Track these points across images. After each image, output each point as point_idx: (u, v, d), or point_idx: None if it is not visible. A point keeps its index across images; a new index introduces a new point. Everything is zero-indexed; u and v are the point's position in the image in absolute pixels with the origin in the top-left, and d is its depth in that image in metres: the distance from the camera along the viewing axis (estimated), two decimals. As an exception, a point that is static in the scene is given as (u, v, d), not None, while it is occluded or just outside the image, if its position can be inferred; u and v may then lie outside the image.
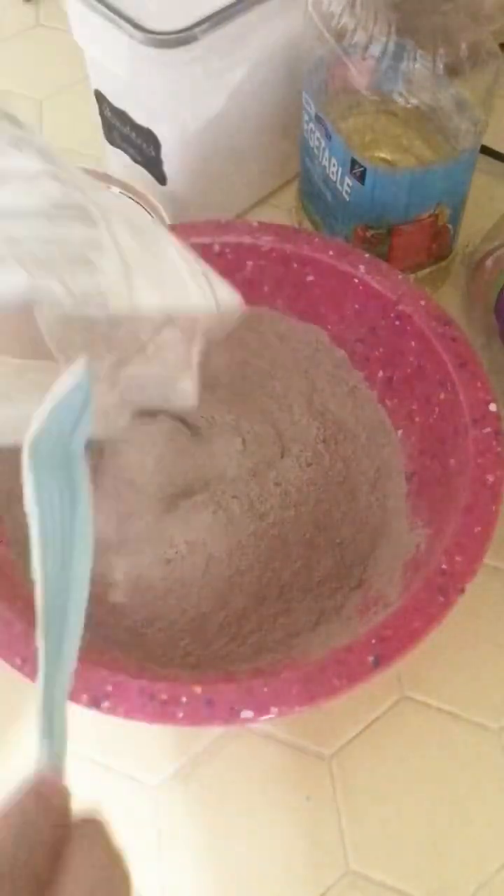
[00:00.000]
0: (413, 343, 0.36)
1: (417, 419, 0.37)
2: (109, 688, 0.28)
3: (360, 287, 0.37)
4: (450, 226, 0.43)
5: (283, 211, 0.52)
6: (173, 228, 0.38)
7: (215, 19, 0.39)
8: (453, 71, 0.36)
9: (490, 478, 0.32)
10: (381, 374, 0.38)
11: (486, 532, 0.30)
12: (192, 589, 0.36)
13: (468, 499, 0.31)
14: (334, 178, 0.42)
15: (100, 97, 0.47)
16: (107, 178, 0.48)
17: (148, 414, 0.41)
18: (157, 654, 0.34)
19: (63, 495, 0.24)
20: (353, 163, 0.40)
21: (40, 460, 0.23)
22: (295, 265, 0.38)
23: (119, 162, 0.50)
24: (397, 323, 0.36)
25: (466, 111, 0.38)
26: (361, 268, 0.37)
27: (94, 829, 0.21)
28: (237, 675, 0.32)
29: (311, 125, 0.42)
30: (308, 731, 0.36)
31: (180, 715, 0.27)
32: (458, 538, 0.30)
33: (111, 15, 0.39)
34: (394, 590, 0.33)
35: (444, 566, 0.30)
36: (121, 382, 0.27)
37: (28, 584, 0.33)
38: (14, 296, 0.23)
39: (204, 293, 0.26)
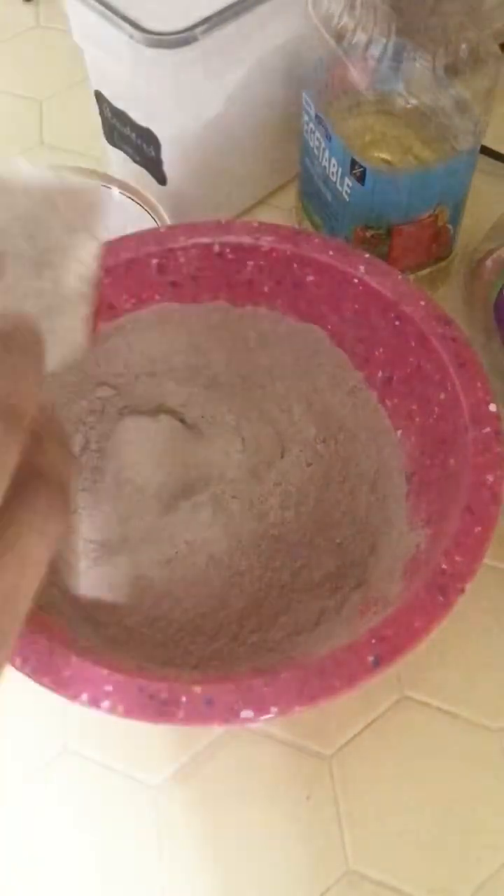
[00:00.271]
0: (413, 343, 0.36)
1: (417, 419, 0.37)
2: (109, 687, 0.28)
3: (360, 287, 0.37)
4: (450, 226, 0.44)
5: (283, 211, 0.52)
6: (173, 228, 0.38)
7: (215, 20, 0.39)
8: (453, 71, 0.36)
9: (490, 478, 0.32)
10: (381, 374, 0.38)
11: (486, 532, 0.30)
12: (192, 589, 0.36)
13: (468, 499, 0.31)
14: (334, 179, 0.42)
15: (100, 97, 0.47)
16: (107, 178, 0.48)
17: (148, 414, 0.41)
18: (157, 654, 0.34)
19: None
20: (353, 163, 0.40)
21: None
22: (295, 265, 0.38)
23: (119, 162, 0.50)
24: (397, 323, 0.37)
25: (466, 111, 0.38)
26: (361, 268, 0.37)
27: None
28: (237, 675, 0.32)
29: (311, 125, 0.42)
30: (308, 731, 0.36)
31: (180, 715, 0.27)
32: (458, 538, 0.30)
33: (111, 15, 0.39)
34: (394, 590, 0.33)
35: (444, 566, 0.30)
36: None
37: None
38: None
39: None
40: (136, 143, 0.46)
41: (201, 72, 0.41)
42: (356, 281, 0.37)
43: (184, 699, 0.28)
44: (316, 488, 0.38)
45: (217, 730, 0.36)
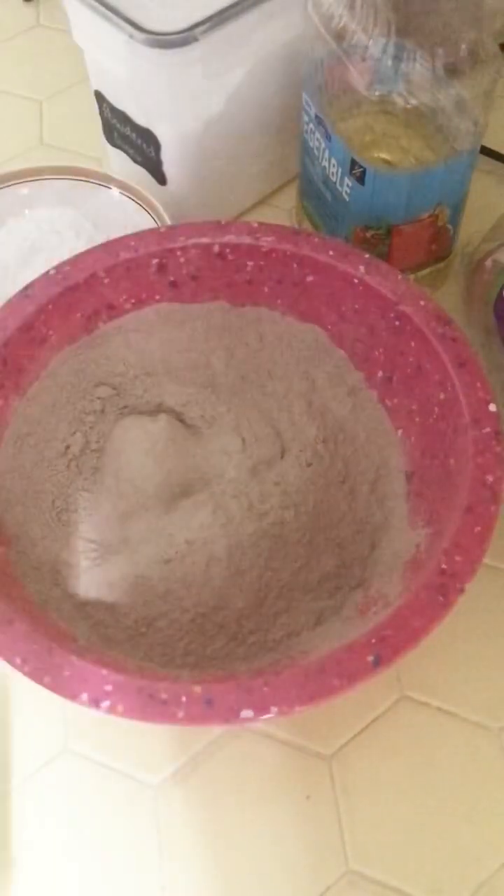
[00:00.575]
0: (413, 343, 0.36)
1: (417, 419, 0.37)
2: (109, 687, 0.28)
3: (360, 287, 0.37)
4: (450, 226, 0.44)
5: (283, 211, 0.52)
6: (173, 228, 0.38)
7: (215, 20, 0.39)
8: (453, 71, 0.36)
9: (490, 478, 0.32)
10: (380, 374, 0.38)
11: (485, 532, 0.31)
12: (192, 589, 0.36)
13: (468, 499, 0.31)
14: (334, 179, 0.42)
15: (100, 97, 0.47)
16: (107, 179, 0.48)
17: (148, 414, 0.41)
18: (157, 654, 0.34)
19: None
20: (353, 163, 0.40)
21: None
22: (295, 265, 0.38)
23: (119, 162, 0.50)
24: (397, 323, 0.37)
25: (466, 111, 0.38)
26: (361, 268, 0.37)
27: None
28: (237, 675, 0.32)
29: (311, 126, 0.42)
30: (308, 731, 0.36)
31: (180, 715, 0.27)
32: (458, 538, 0.30)
33: (111, 15, 0.39)
34: (394, 590, 0.33)
35: (444, 566, 0.30)
36: None
37: (28, 584, 0.33)
38: None
39: None
40: (136, 143, 0.46)
41: (201, 72, 0.41)
42: (356, 281, 0.37)
43: (184, 699, 0.28)
44: (316, 488, 0.38)
45: (217, 730, 0.36)
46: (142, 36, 0.38)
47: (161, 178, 0.47)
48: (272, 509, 0.37)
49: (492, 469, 0.32)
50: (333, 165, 0.41)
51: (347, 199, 0.42)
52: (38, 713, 0.36)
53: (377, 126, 0.41)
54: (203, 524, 0.37)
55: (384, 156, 0.41)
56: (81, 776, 0.35)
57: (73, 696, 0.28)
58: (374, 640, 0.28)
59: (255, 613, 0.36)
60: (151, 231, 0.39)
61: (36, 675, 0.28)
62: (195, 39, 0.38)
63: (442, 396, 0.35)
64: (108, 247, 0.38)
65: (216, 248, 0.38)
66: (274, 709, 0.27)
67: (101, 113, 0.48)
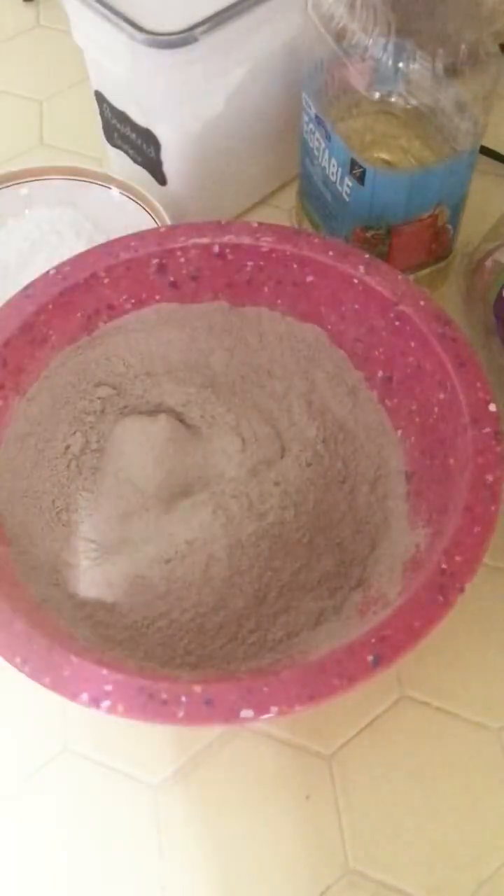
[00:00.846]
0: (413, 343, 0.36)
1: (417, 419, 0.37)
2: (109, 687, 0.28)
3: (360, 287, 0.37)
4: (449, 226, 0.44)
5: (283, 211, 0.52)
6: (173, 228, 0.38)
7: (215, 20, 0.39)
8: (453, 71, 0.36)
9: (490, 478, 0.32)
10: (380, 374, 0.38)
11: (485, 532, 0.31)
12: (192, 589, 0.36)
13: (468, 499, 0.31)
14: (334, 179, 0.42)
15: (100, 98, 0.47)
16: (107, 179, 0.48)
17: (148, 414, 0.41)
18: (157, 653, 0.34)
19: None
20: (353, 163, 0.40)
21: None
22: (295, 266, 0.38)
23: (119, 162, 0.50)
24: (397, 323, 0.37)
25: (466, 112, 0.38)
26: (361, 268, 0.37)
27: None
28: (237, 674, 0.32)
29: (311, 126, 0.42)
30: (308, 731, 0.36)
31: (180, 715, 0.27)
32: (458, 538, 0.30)
33: (111, 15, 0.39)
34: (394, 590, 0.33)
35: (444, 566, 0.30)
36: None
37: (28, 584, 0.33)
38: None
39: None
40: (136, 143, 0.46)
41: (201, 72, 0.41)
42: (356, 281, 0.37)
43: (184, 699, 0.28)
44: (316, 488, 0.38)
45: (217, 730, 0.36)
46: (142, 36, 0.38)
47: (161, 178, 0.47)
48: (272, 509, 0.37)
49: (492, 469, 0.32)
50: (333, 165, 0.42)
51: (347, 199, 0.42)
52: (37, 713, 0.36)
53: (377, 126, 0.41)
54: (203, 524, 0.37)
55: (384, 156, 0.41)
56: (81, 776, 0.35)
57: (73, 696, 0.28)
58: (374, 640, 0.29)
59: (255, 613, 0.36)
60: (151, 231, 0.39)
61: (36, 675, 0.28)
62: (195, 39, 0.38)
63: (442, 396, 0.35)
64: (108, 247, 0.38)
65: (216, 248, 0.38)
66: (274, 709, 0.27)
67: (101, 113, 0.48)
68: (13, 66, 0.60)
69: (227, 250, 0.38)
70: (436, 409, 0.35)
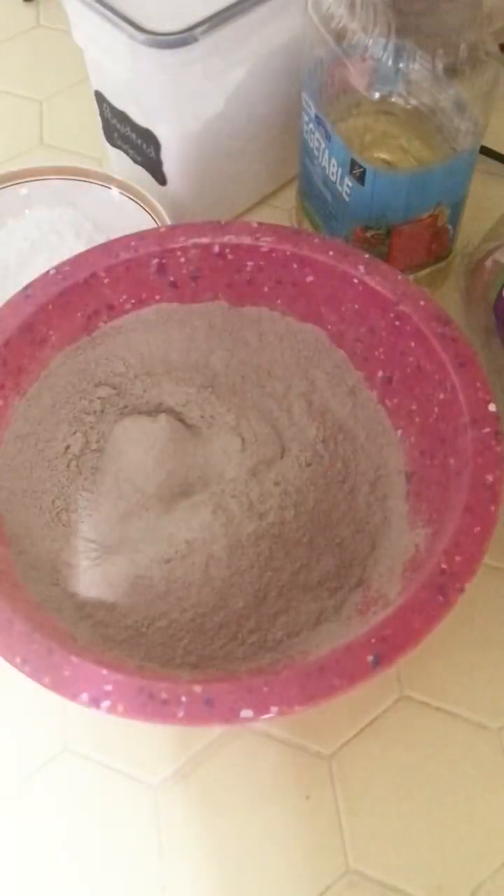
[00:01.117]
0: (413, 343, 0.36)
1: (417, 419, 0.37)
2: (109, 687, 0.28)
3: (360, 287, 0.37)
4: (449, 226, 0.44)
5: (283, 211, 0.52)
6: (173, 228, 0.38)
7: (215, 20, 0.39)
8: (453, 71, 0.36)
9: (490, 478, 0.32)
10: (380, 374, 0.38)
11: (485, 532, 0.31)
12: (192, 589, 0.36)
13: (468, 499, 0.31)
14: (334, 179, 0.42)
15: (100, 97, 0.47)
16: (107, 179, 0.48)
17: (148, 414, 0.41)
18: (157, 653, 0.34)
19: None
20: (353, 163, 0.40)
21: None
22: (295, 265, 0.38)
23: (119, 162, 0.50)
24: (397, 323, 0.37)
25: (466, 112, 0.38)
26: (361, 268, 0.37)
27: None
28: (237, 674, 0.32)
29: (311, 126, 0.42)
30: (308, 731, 0.36)
31: (180, 715, 0.27)
32: (457, 538, 0.30)
33: (111, 15, 0.39)
34: (394, 590, 0.33)
35: (444, 566, 0.30)
36: None
37: (28, 584, 0.33)
38: None
39: None
40: (136, 143, 0.46)
41: (201, 72, 0.41)
42: (356, 281, 0.37)
43: (184, 699, 0.28)
44: (316, 488, 0.38)
45: (217, 730, 0.36)
46: (142, 36, 0.38)
47: (161, 178, 0.47)
48: (272, 509, 0.37)
49: (492, 469, 0.32)
50: (333, 165, 0.42)
51: (347, 199, 0.42)
52: (37, 713, 0.36)
53: (377, 126, 0.41)
54: (203, 524, 0.37)
55: (384, 156, 0.41)
56: (81, 776, 0.35)
57: (73, 696, 0.28)
58: (374, 640, 0.29)
59: (255, 613, 0.36)
60: (151, 231, 0.39)
61: (36, 675, 0.28)
62: (195, 39, 0.38)
63: (442, 396, 0.35)
64: (108, 247, 0.38)
65: (216, 248, 0.38)
66: (274, 709, 0.27)
67: (101, 113, 0.48)
68: (13, 66, 0.60)
69: (227, 250, 0.38)
70: (436, 409, 0.35)
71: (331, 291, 0.38)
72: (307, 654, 0.32)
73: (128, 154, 0.48)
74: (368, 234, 0.43)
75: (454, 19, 0.36)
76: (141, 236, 0.38)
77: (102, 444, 0.40)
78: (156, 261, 0.38)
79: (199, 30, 0.38)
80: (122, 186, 0.47)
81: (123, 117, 0.46)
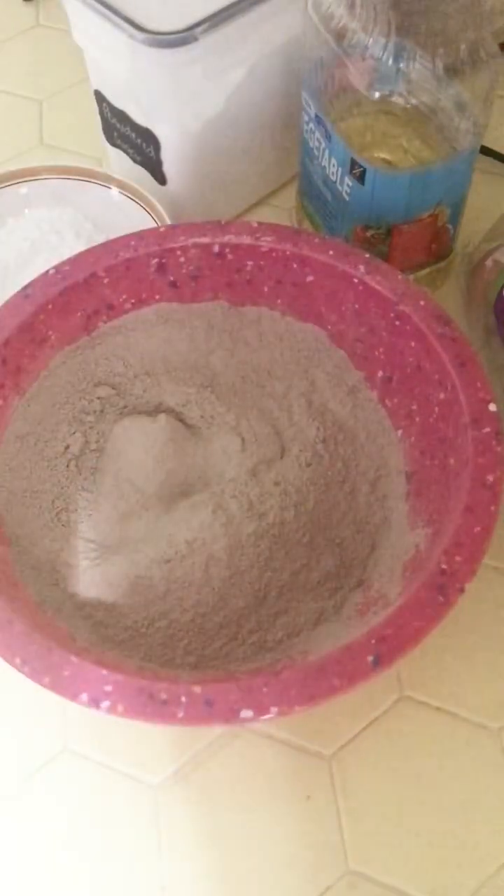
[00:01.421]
0: (413, 343, 0.36)
1: (417, 419, 0.37)
2: (109, 688, 0.28)
3: (360, 287, 0.37)
4: (449, 226, 0.44)
5: (283, 211, 0.52)
6: (173, 228, 0.38)
7: (215, 19, 0.39)
8: (453, 71, 0.36)
9: (490, 478, 0.32)
10: (380, 374, 0.38)
11: (485, 532, 0.30)
12: (191, 589, 0.36)
13: (468, 499, 0.31)
14: (334, 179, 0.42)
15: (100, 97, 0.47)
16: (107, 178, 0.48)
17: (148, 414, 0.41)
18: (156, 654, 0.34)
19: None
20: (353, 163, 0.40)
21: None
22: (295, 265, 0.38)
23: (119, 162, 0.50)
24: (397, 323, 0.37)
25: (466, 111, 0.38)
26: (361, 268, 0.37)
27: None
28: (237, 675, 0.32)
29: (311, 125, 0.42)
30: (308, 731, 0.36)
31: (180, 715, 0.27)
32: (457, 538, 0.30)
33: (111, 15, 0.39)
34: (394, 590, 0.33)
35: (444, 566, 0.30)
36: None
37: (28, 584, 0.33)
38: None
39: None
40: (136, 143, 0.46)
41: (201, 72, 0.41)
42: (356, 281, 0.37)
43: (184, 699, 0.28)
44: (316, 488, 0.38)
45: (217, 730, 0.36)
46: (142, 36, 0.38)
47: (161, 178, 0.47)
48: (272, 509, 0.37)
49: (492, 469, 0.32)
50: (333, 165, 0.41)
51: (347, 199, 0.42)
52: (37, 713, 0.36)
53: (377, 126, 0.41)
54: (203, 524, 0.37)
55: (384, 156, 0.41)
56: (81, 776, 0.35)
57: (73, 696, 0.28)
58: (374, 640, 0.28)
59: (254, 613, 0.36)
60: (151, 231, 0.39)
61: (36, 675, 0.28)
62: (195, 39, 0.38)
63: (442, 396, 0.35)
64: (108, 247, 0.38)
65: (216, 248, 0.38)
66: (274, 709, 0.27)
67: (101, 113, 0.48)
68: (13, 66, 0.60)
69: (227, 250, 0.38)
70: (436, 409, 0.35)
71: (331, 291, 0.38)
72: (307, 654, 0.32)
73: (127, 154, 0.48)
74: (368, 234, 0.43)
75: (454, 19, 0.36)
76: (141, 236, 0.38)
77: (102, 443, 0.40)
78: (156, 260, 0.38)
79: (199, 29, 0.38)
80: (122, 186, 0.47)
81: (123, 117, 0.46)
